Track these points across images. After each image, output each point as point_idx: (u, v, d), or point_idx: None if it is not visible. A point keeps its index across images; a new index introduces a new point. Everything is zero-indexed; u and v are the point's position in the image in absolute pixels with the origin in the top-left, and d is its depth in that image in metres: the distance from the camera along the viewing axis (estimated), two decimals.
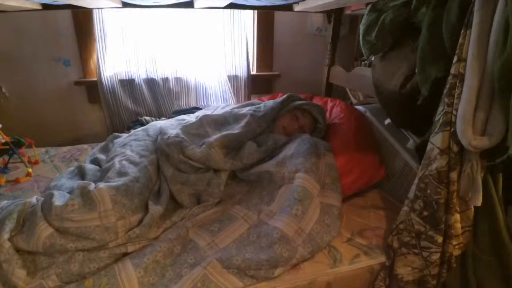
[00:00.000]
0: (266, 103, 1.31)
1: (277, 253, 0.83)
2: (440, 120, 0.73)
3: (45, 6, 1.40)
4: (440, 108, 0.74)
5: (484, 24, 0.62)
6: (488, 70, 0.63)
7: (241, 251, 0.85)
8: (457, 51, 0.69)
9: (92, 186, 0.91)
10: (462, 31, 0.68)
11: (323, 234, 0.92)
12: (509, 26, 0.57)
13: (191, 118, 1.38)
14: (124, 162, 1.05)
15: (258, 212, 0.98)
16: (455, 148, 0.72)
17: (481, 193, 0.71)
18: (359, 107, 1.49)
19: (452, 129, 0.71)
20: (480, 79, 0.64)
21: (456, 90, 0.69)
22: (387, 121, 1.28)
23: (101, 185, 0.90)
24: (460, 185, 0.74)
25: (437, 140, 0.74)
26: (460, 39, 0.68)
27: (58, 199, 0.87)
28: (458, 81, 0.69)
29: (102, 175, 1.04)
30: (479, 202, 0.72)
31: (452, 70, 0.70)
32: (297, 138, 1.15)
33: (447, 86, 0.72)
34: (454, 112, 0.70)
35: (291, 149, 1.10)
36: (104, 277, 0.77)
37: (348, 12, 1.71)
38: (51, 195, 0.88)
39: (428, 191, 0.77)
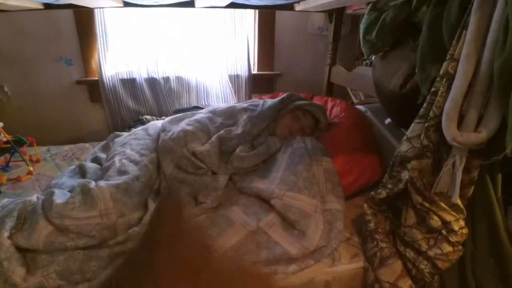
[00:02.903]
0: (265, 101, 1.31)
1: (278, 266, 0.84)
2: (419, 114, 0.78)
3: (47, 6, 1.40)
4: (424, 104, 0.77)
5: (481, 25, 0.62)
6: (482, 70, 0.63)
7: (240, 261, 0.85)
8: (450, 51, 0.69)
9: (92, 184, 0.91)
10: (459, 31, 0.68)
11: (330, 243, 0.90)
12: (508, 26, 0.57)
13: (193, 114, 1.38)
14: (124, 160, 1.05)
15: (257, 220, 0.95)
16: (425, 141, 0.75)
17: (457, 191, 0.72)
18: (360, 107, 1.49)
19: (427, 124, 0.74)
20: (470, 80, 0.64)
21: (441, 88, 0.70)
22: (388, 120, 1.28)
23: (102, 183, 0.91)
24: (440, 179, 0.75)
25: (409, 129, 0.80)
26: (455, 39, 0.68)
27: (59, 197, 0.88)
28: (444, 80, 0.70)
29: (103, 173, 1.05)
30: (455, 200, 0.73)
31: (442, 69, 0.71)
32: (288, 147, 1.14)
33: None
34: (434, 109, 0.72)
35: (281, 165, 1.08)
36: None
37: (349, 11, 1.71)
38: (52, 193, 0.89)
39: (394, 169, 0.85)
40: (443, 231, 0.77)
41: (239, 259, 0.85)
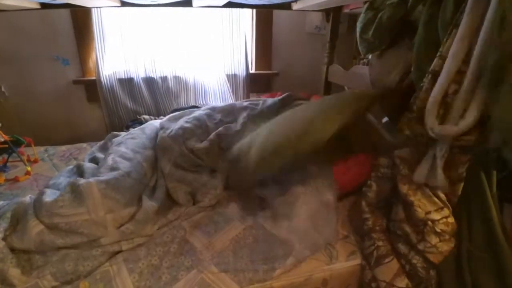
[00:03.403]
0: (265, 100, 1.32)
1: (276, 261, 0.85)
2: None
3: (44, 5, 1.40)
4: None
5: (472, 24, 0.63)
6: (470, 68, 0.64)
7: (238, 256, 0.85)
8: (440, 48, 0.70)
9: (82, 181, 0.91)
10: (450, 29, 0.68)
11: (324, 235, 0.92)
12: (502, 23, 0.57)
13: (192, 112, 1.38)
14: (117, 158, 1.05)
15: (254, 215, 0.98)
16: (407, 131, 0.80)
17: (441, 175, 0.74)
18: None
19: (410, 116, 0.78)
20: (452, 78, 0.67)
21: (426, 84, 0.74)
22: (385, 119, 1.28)
23: (91, 179, 0.90)
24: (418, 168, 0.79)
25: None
26: (446, 37, 0.69)
27: (49, 196, 0.88)
28: (430, 77, 0.73)
29: (97, 172, 1.05)
30: (440, 183, 0.76)
31: (431, 66, 0.72)
32: None
33: None
34: (417, 102, 0.76)
35: None
36: (100, 282, 0.78)
37: (346, 10, 1.71)
38: (43, 193, 0.89)
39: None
40: (429, 222, 0.78)
41: None
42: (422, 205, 0.78)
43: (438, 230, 0.77)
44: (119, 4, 1.41)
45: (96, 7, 1.66)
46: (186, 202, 1.02)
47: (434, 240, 0.78)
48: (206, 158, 1.09)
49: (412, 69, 0.85)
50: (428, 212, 0.78)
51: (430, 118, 0.71)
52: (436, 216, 0.77)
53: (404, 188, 0.80)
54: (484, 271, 0.78)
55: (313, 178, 1.02)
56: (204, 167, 1.10)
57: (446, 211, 0.78)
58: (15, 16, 1.65)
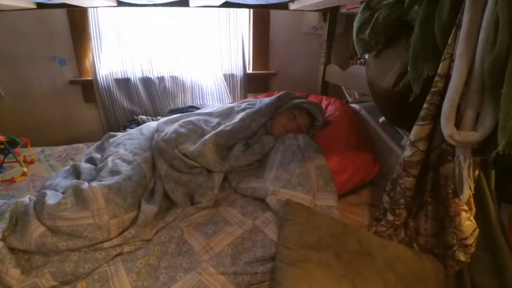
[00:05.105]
0: (262, 99, 1.32)
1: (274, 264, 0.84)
2: (420, 115, 0.78)
3: (40, 5, 1.39)
4: (425, 105, 0.77)
5: (473, 24, 0.63)
6: (475, 69, 0.63)
7: (236, 261, 0.85)
8: (448, 50, 0.70)
9: (85, 185, 0.91)
10: (453, 30, 0.68)
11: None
12: (499, 24, 0.57)
13: (188, 115, 1.39)
14: (117, 160, 1.05)
15: (253, 218, 0.97)
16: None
17: (466, 189, 0.72)
18: (354, 105, 1.50)
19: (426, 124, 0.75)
20: (465, 78, 0.65)
21: (438, 88, 0.71)
22: (382, 119, 1.29)
23: (94, 183, 0.91)
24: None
25: (412, 132, 0.80)
26: (450, 38, 0.69)
27: (51, 198, 0.87)
28: (440, 80, 0.71)
29: (96, 174, 1.04)
30: (463, 197, 0.73)
31: (439, 69, 0.71)
32: (281, 144, 1.15)
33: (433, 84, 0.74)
34: (431, 108, 0.73)
35: (274, 163, 1.09)
36: (98, 282, 0.77)
37: (343, 10, 1.72)
38: (44, 195, 0.89)
39: (394, 175, 0.87)
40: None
41: None
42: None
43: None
44: (115, 4, 1.41)
45: (93, 7, 1.65)
46: (183, 203, 1.02)
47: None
48: (200, 160, 1.09)
49: (408, 69, 0.85)
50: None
51: (448, 124, 0.67)
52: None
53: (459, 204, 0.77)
54: (483, 270, 0.79)
55: (311, 182, 1.03)
56: (200, 168, 1.10)
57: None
58: (11, 16, 1.64)
